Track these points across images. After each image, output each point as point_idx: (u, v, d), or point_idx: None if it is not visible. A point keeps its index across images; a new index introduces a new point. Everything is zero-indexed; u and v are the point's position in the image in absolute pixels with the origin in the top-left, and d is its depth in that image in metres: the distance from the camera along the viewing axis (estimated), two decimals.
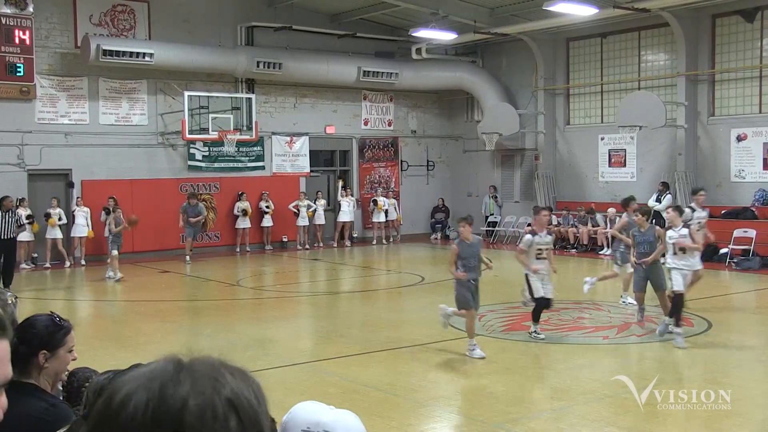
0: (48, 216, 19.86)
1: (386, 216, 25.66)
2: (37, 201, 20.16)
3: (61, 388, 3.97)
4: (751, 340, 11.67)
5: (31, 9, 20.10)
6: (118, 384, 1.13)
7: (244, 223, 23.10)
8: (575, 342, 11.36)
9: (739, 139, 20.80)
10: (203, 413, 1.08)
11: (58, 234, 20.14)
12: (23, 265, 19.37)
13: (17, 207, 18.31)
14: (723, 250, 19.50)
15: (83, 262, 20.59)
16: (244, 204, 23.11)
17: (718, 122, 21.28)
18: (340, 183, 25.55)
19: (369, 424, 1.92)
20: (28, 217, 18.13)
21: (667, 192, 20.71)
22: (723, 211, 20.61)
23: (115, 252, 17.51)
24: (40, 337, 3.44)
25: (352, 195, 25.39)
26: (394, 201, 26.16)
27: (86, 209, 20.50)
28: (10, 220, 15.55)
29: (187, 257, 20.81)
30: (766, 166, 20.32)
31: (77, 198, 20.72)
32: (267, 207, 23.42)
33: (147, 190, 21.77)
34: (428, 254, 23.79)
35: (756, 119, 20.51)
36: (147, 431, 1.06)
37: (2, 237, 15.43)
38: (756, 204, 20.25)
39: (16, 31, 19.90)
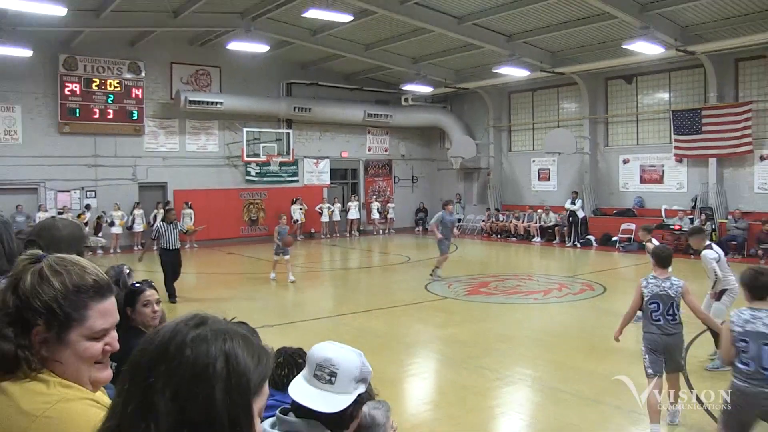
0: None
1: (387, 215, 25.69)
2: (144, 204, 20.31)
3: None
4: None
5: (143, 74, 20.25)
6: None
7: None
8: (515, 302, 11.36)
9: (625, 162, 20.88)
10: (198, 350, 1.06)
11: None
12: (137, 247, 19.46)
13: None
14: (614, 238, 19.60)
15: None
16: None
17: (611, 151, 21.33)
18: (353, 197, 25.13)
19: (371, 360, 1.91)
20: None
21: (578, 197, 20.91)
22: (614, 211, 20.73)
23: (276, 257, 13.97)
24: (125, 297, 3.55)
25: (358, 200, 25.31)
26: (391, 205, 26.10)
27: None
28: (174, 231, 12.05)
29: (439, 271, 13.97)
30: (642, 180, 20.43)
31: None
32: (300, 208, 23.41)
33: (217, 197, 21.80)
34: (413, 242, 23.75)
35: (635, 149, 20.59)
36: (160, 355, 1.08)
37: (169, 248, 11.94)
38: (635, 206, 20.35)
39: (133, 89, 20.16)
